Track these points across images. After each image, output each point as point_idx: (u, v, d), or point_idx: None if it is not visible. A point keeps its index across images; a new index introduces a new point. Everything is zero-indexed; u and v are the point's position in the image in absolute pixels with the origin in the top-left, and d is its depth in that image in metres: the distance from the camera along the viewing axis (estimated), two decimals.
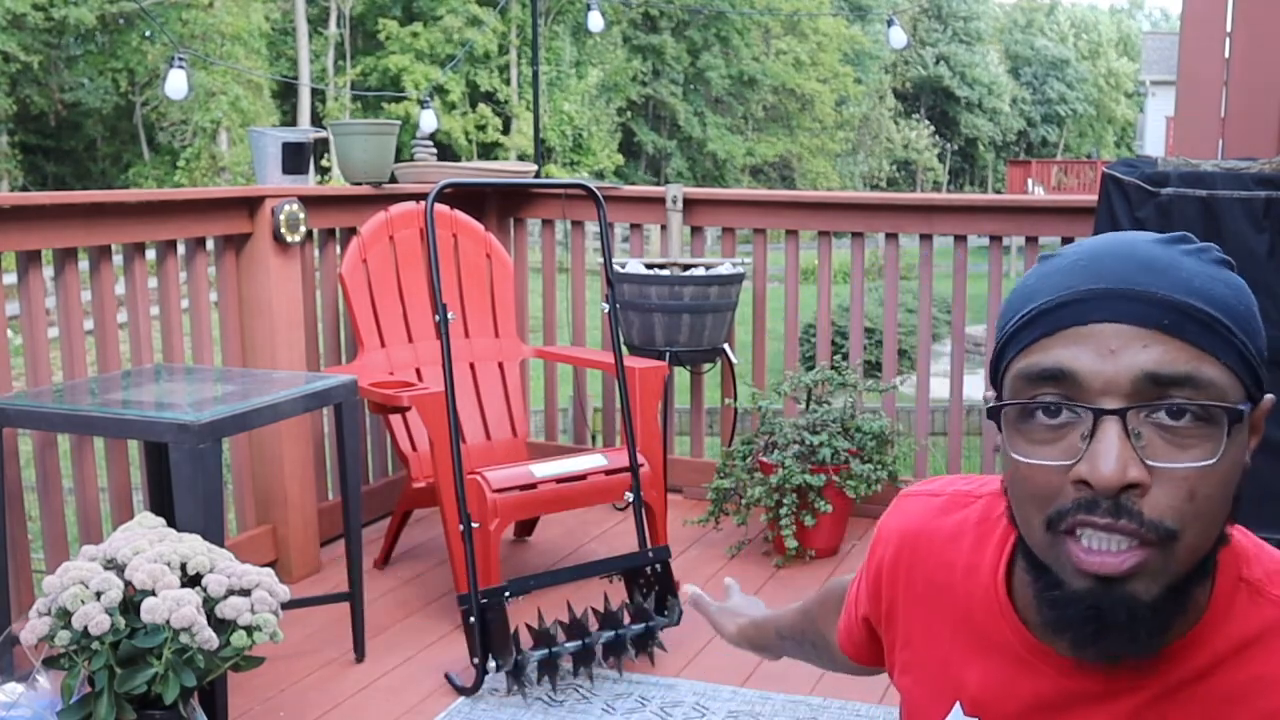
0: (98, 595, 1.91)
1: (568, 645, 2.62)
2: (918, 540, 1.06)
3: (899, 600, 1.08)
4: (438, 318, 2.80)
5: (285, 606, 2.06)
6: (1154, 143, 26.21)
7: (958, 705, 1.02)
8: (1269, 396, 0.87)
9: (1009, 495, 0.89)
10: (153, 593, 1.93)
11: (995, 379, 0.90)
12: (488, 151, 28.69)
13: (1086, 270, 0.84)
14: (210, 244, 3.21)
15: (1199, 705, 0.88)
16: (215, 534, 2.23)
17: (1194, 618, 0.88)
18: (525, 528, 3.67)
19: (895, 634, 1.09)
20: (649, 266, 3.79)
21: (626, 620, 2.69)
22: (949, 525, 1.05)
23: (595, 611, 2.67)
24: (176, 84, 7.23)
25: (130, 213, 2.95)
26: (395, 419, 3.25)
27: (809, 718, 2.50)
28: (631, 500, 2.95)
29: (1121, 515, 0.80)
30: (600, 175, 27.98)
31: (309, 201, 3.33)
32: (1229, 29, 3.13)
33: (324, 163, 22.02)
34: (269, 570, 2.06)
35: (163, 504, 2.64)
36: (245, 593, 2.01)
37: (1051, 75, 43.77)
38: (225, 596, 1.99)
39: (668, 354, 3.67)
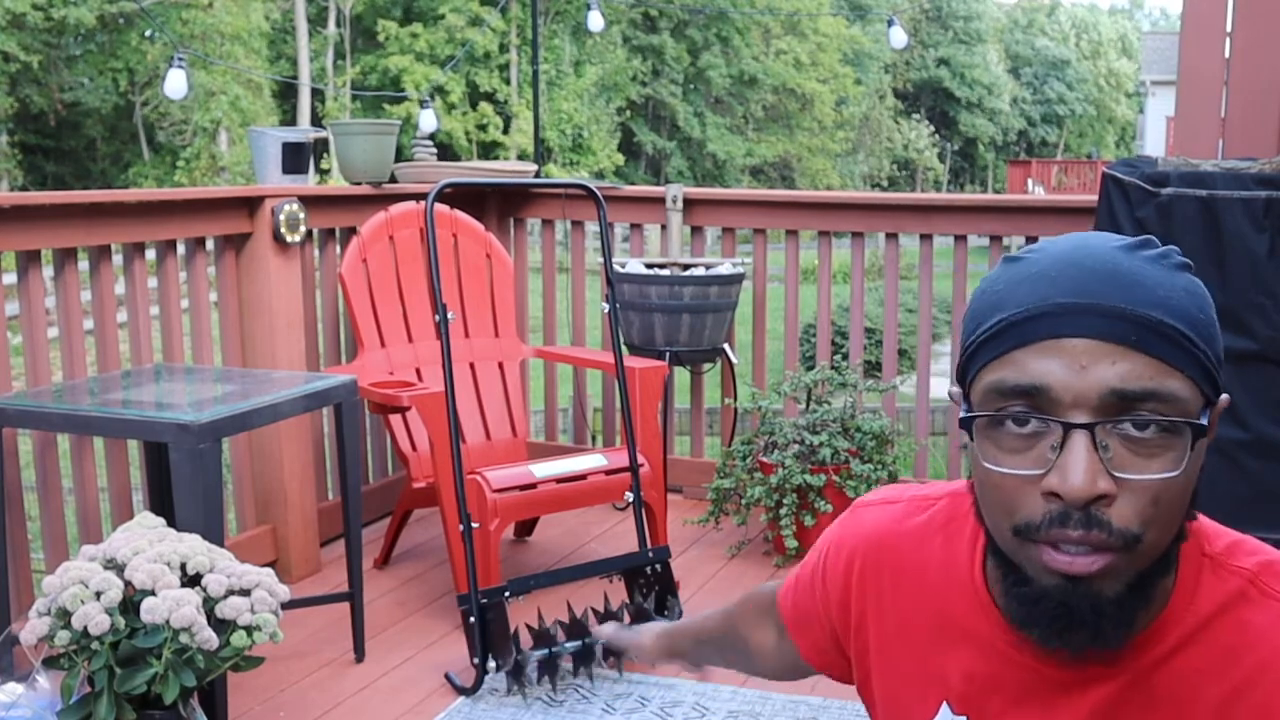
0: (97, 595, 1.91)
1: (568, 645, 2.62)
2: (882, 546, 1.07)
3: (869, 609, 1.08)
4: (438, 318, 2.80)
5: (285, 606, 2.06)
6: (1154, 143, 26.20)
7: (945, 706, 1.02)
8: (1224, 397, 0.89)
9: (977, 498, 0.92)
10: (153, 593, 1.93)
11: (962, 380, 0.92)
12: (488, 151, 28.69)
13: (1055, 282, 0.86)
14: (210, 244, 3.21)
15: (1176, 681, 0.90)
16: (215, 534, 2.23)
17: (1161, 601, 0.91)
18: (525, 528, 3.67)
19: (866, 642, 1.09)
20: (649, 266, 3.79)
21: (626, 620, 2.69)
22: (914, 528, 1.06)
23: (595, 611, 2.67)
24: (176, 84, 7.23)
25: (130, 213, 2.95)
26: (395, 419, 3.25)
27: (809, 717, 2.50)
28: (631, 500, 2.95)
29: (1093, 526, 0.83)
30: (600, 175, 27.98)
31: (309, 201, 3.33)
32: (1229, 29, 3.13)
33: (324, 164, 22.02)
34: (269, 570, 2.06)
35: (163, 504, 2.64)
36: (245, 593, 2.01)
37: (1051, 75, 43.74)
38: (225, 596, 1.99)
39: (668, 354, 3.67)
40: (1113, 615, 0.86)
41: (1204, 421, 0.85)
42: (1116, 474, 0.83)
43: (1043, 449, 0.84)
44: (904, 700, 1.06)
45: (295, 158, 3.57)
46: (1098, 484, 0.82)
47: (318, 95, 28.53)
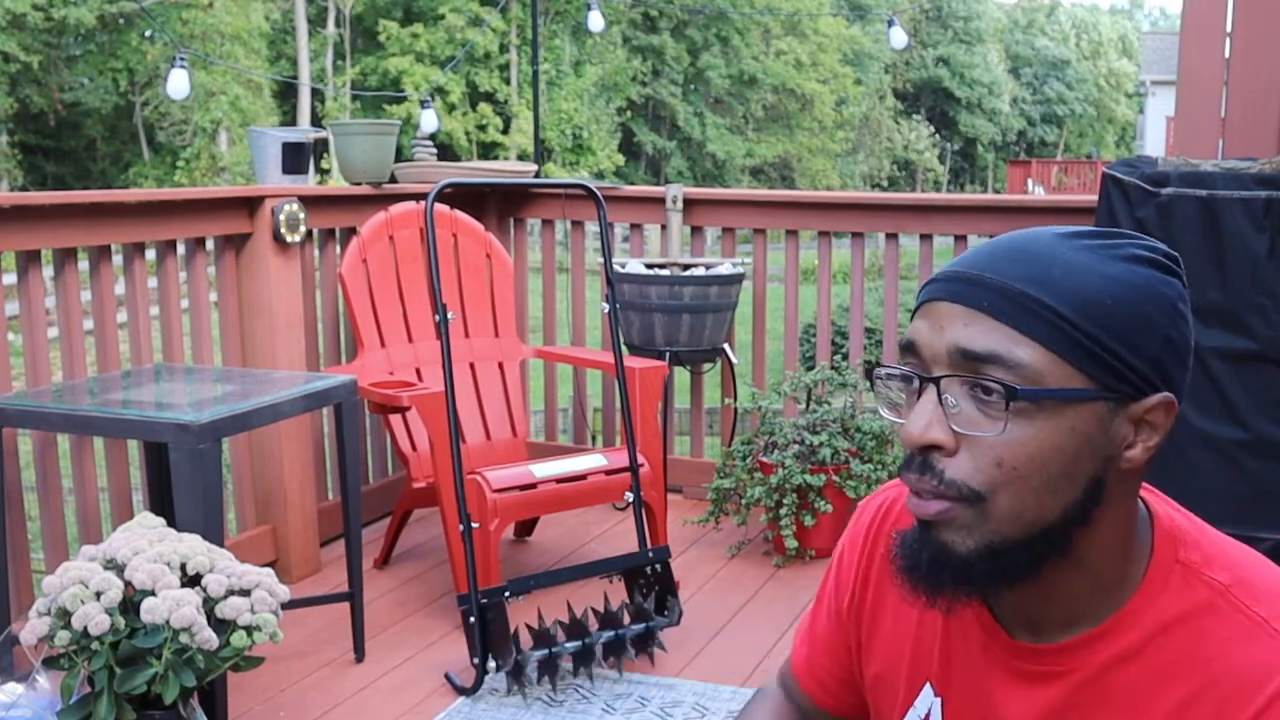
0: (97, 595, 1.91)
1: (568, 645, 2.61)
2: (880, 534, 1.11)
3: (868, 595, 1.12)
4: (438, 318, 2.80)
5: (285, 606, 2.06)
6: (1154, 143, 26.20)
7: (928, 685, 1.05)
8: (1160, 395, 0.89)
9: None
10: (153, 593, 1.93)
11: None
12: (488, 151, 28.69)
13: (961, 257, 0.94)
14: (210, 244, 3.21)
15: (1131, 683, 0.92)
16: (215, 534, 2.23)
17: (1115, 598, 0.93)
18: (525, 528, 3.67)
19: (862, 627, 1.13)
20: (649, 266, 3.79)
21: (626, 620, 2.69)
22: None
23: (595, 611, 2.67)
24: (178, 84, 7.24)
25: (130, 213, 2.95)
26: (395, 419, 3.25)
27: None
28: (631, 500, 2.95)
29: (926, 472, 0.89)
30: (600, 175, 27.97)
31: (309, 201, 3.33)
32: (1229, 29, 3.13)
33: (324, 164, 22.02)
34: (269, 570, 2.06)
35: (163, 504, 2.64)
36: (245, 593, 2.00)
37: (1051, 75, 43.74)
38: (225, 596, 1.98)
39: (668, 354, 3.67)
40: (954, 570, 0.90)
41: (1018, 388, 0.85)
42: (955, 427, 0.88)
43: (914, 402, 0.92)
44: (893, 680, 1.09)
45: (295, 158, 3.57)
46: (929, 432, 0.88)
47: (318, 95, 28.54)
